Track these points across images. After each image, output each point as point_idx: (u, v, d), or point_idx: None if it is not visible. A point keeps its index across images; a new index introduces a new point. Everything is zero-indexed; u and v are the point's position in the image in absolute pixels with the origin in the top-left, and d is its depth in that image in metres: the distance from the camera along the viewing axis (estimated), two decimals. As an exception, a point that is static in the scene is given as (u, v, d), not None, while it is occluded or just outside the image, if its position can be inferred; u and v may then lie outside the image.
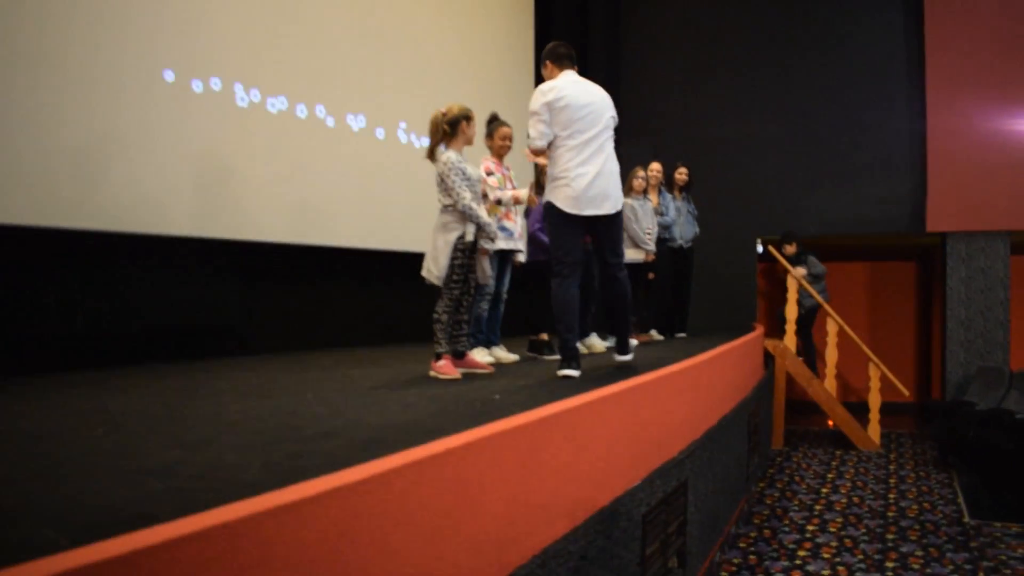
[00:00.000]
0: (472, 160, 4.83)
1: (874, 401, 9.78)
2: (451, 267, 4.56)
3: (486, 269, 4.83)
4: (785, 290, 10.17)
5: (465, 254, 4.59)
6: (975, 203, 10.05)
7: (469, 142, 4.77)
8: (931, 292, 13.26)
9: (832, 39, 10.86)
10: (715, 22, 11.38)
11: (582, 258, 4.62)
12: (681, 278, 8.48)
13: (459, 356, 4.83)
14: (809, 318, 10.38)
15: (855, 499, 7.32)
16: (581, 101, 4.49)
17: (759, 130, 11.05)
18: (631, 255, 6.86)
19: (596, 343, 6.43)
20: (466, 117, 4.71)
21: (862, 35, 10.72)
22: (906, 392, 10.03)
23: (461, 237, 4.56)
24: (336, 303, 7.55)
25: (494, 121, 5.45)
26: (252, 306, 6.75)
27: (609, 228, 4.63)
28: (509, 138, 5.51)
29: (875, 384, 9.81)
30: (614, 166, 4.61)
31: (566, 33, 11.16)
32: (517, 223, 5.58)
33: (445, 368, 4.56)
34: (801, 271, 9.96)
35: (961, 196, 10.09)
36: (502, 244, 5.38)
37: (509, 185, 5.45)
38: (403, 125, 8.13)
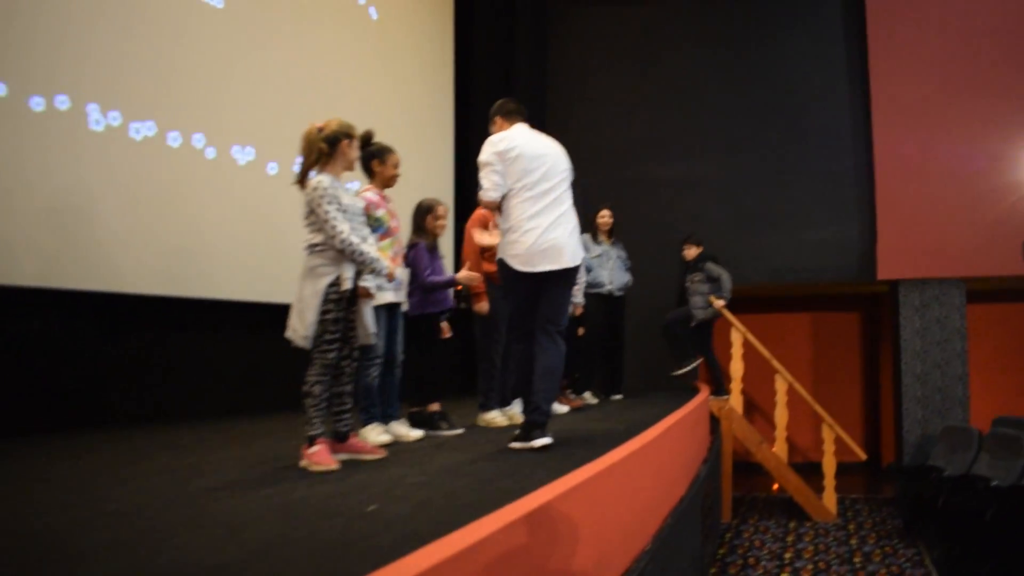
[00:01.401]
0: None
1: (829, 466, 8.91)
2: (322, 323, 3.53)
3: (369, 325, 3.79)
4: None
5: (340, 306, 3.57)
6: (928, 248, 9.36)
7: (350, 167, 3.83)
8: (877, 344, 12.57)
9: (773, 76, 10.18)
10: (648, 57, 10.63)
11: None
12: (613, 330, 7.56)
13: (341, 438, 3.78)
14: (706, 330, 8.80)
15: (820, 586, 6.39)
16: (534, 152, 4.14)
17: (696, 171, 10.27)
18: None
19: (519, 413, 5.40)
20: (348, 135, 3.78)
21: (805, 72, 10.07)
22: (863, 456, 9.20)
23: (334, 284, 3.54)
24: (215, 365, 6.40)
25: (371, 144, 4.44)
26: (111, 369, 5.58)
27: (561, 287, 4.14)
28: (399, 165, 4.56)
29: (829, 448, 8.95)
30: (572, 218, 4.21)
31: (489, 69, 10.30)
32: (403, 268, 4.58)
33: (319, 456, 3.51)
34: (718, 299, 8.56)
35: (913, 241, 9.39)
36: (391, 296, 4.37)
37: (394, 222, 4.48)
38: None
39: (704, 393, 7.52)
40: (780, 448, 8.99)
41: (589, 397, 7.11)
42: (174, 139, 5.91)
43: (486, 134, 4.28)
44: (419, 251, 4.82)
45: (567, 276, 4.16)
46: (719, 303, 8.39)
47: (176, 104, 5.89)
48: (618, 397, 7.64)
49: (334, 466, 3.47)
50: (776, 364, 9.11)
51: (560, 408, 6.12)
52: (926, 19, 9.64)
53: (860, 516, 9.00)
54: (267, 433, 5.11)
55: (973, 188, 9.27)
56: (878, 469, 11.98)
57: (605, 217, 7.58)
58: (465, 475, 3.26)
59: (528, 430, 3.97)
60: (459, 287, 5.08)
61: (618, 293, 7.53)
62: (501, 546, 2.10)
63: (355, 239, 3.60)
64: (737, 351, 9.16)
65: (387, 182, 4.52)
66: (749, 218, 10.05)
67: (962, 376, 9.27)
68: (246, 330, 6.64)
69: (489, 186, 4.09)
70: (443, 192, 9.08)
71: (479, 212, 5.36)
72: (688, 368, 8.47)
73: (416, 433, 4.54)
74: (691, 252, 8.75)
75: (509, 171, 4.09)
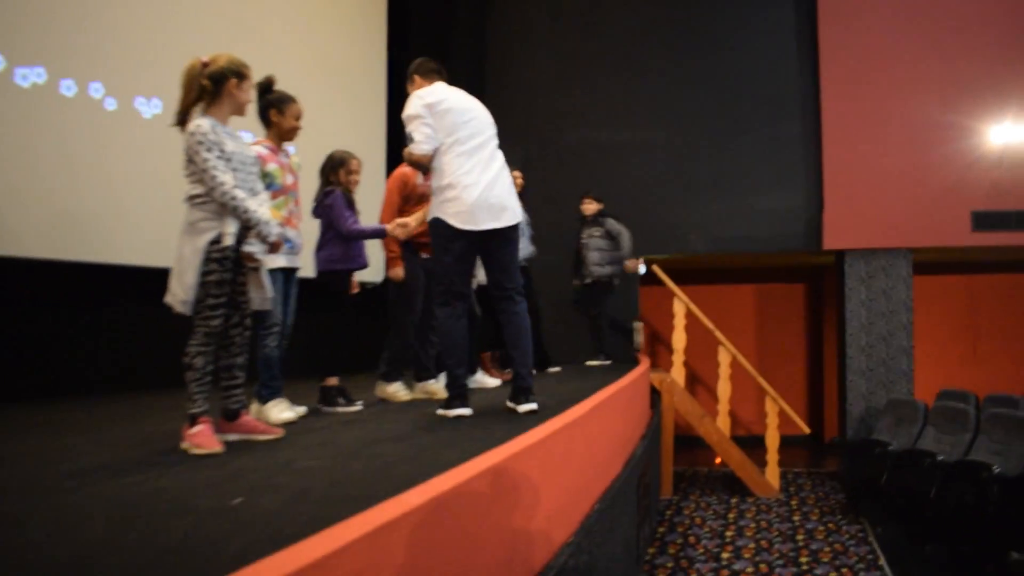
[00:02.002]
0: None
1: (772, 440, 8.68)
2: (204, 286, 3.08)
3: (266, 287, 3.35)
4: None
5: (224, 266, 3.11)
6: (875, 218, 9.10)
7: (239, 111, 3.36)
8: (821, 316, 12.40)
9: (718, 38, 9.80)
10: (592, 16, 10.17)
11: (470, 284, 3.97)
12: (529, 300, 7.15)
13: (231, 416, 3.35)
14: (605, 289, 7.90)
15: (762, 566, 6.11)
16: (462, 106, 3.99)
17: (638, 136, 9.87)
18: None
19: (442, 388, 5.00)
20: (238, 74, 3.31)
21: (751, 34, 9.71)
22: (807, 429, 9.00)
23: (216, 241, 3.09)
24: (117, 335, 5.87)
25: (271, 91, 3.99)
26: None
27: (504, 246, 3.95)
28: (301, 117, 4.10)
29: (773, 421, 8.71)
30: (508, 175, 4.05)
31: (426, 22, 9.78)
32: (299, 230, 4.12)
33: (199, 438, 3.07)
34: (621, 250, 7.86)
35: (860, 211, 9.13)
36: (283, 260, 3.91)
37: (290, 177, 4.02)
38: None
39: (644, 365, 7.19)
40: (723, 422, 8.73)
41: (524, 370, 6.73)
42: (67, 87, 5.33)
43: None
44: (336, 198, 4.34)
45: (510, 234, 3.96)
46: (639, 265, 7.81)
47: (69, 48, 5.30)
48: (556, 369, 7.27)
49: (217, 448, 3.04)
50: (720, 336, 8.83)
51: (491, 381, 5.74)
52: (876, -19, 9.35)
53: (803, 491, 8.79)
54: (169, 409, 4.63)
55: (921, 156, 9.03)
56: (821, 442, 11.86)
57: (517, 179, 7.13)
58: (364, 458, 2.84)
59: (515, 396, 3.93)
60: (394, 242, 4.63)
61: (524, 263, 7.16)
62: (377, 548, 1.70)
63: (240, 193, 3.14)
64: (679, 322, 8.86)
65: (285, 135, 4.05)
66: (692, 185, 9.71)
67: (907, 348, 9.07)
68: (151, 298, 6.10)
69: (421, 138, 3.85)
70: (374, 146, 8.57)
71: (400, 171, 4.93)
72: (602, 363, 7.92)
73: (300, 409, 4.09)
74: (590, 207, 8.09)
75: (439, 125, 3.88)
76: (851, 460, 8.09)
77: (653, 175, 9.80)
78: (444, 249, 3.87)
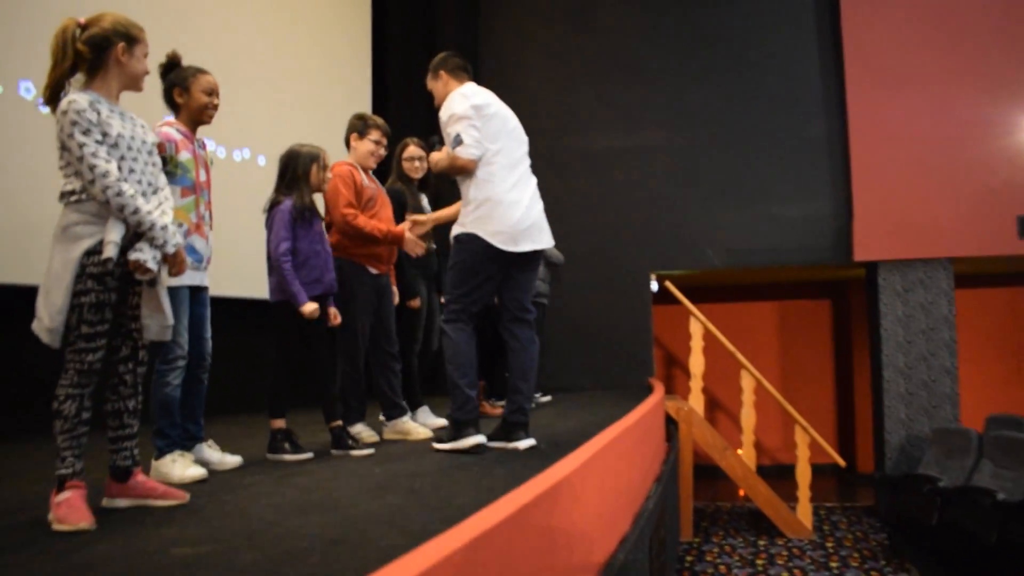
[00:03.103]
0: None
1: (803, 476, 7.80)
2: (76, 309, 2.33)
3: (166, 311, 2.58)
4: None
5: (105, 284, 2.36)
6: (910, 226, 8.24)
7: (133, 84, 2.62)
8: (849, 335, 11.52)
9: (733, 33, 9.01)
10: (591, 13, 9.40)
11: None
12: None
13: (120, 476, 2.57)
14: (542, 313, 6.45)
15: (800, 627, 5.26)
16: (505, 113, 3.76)
17: (651, 143, 9.07)
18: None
19: (421, 425, 4.23)
20: (127, 37, 2.57)
21: (767, 28, 8.90)
22: (842, 462, 8.13)
23: (94, 252, 2.35)
24: (28, 365, 5.05)
25: (179, 66, 3.24)
26: None
27: (533, 267, 3.75)
28: (216, 92, 3.31)
29: (803, 454, 7.85)
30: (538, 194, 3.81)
31: (411, 18, 9.03)
32: (209, 240, 3.31)
33: (64, 509, 2.33)
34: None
35: (893, 218, 8.26)
36: (188, 279, 3.10)
37: (203, 173, 3.23)
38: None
39: (659, 393, 6.35)
40: (748, 454, 7.87)
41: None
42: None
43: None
44: (278, 215, 3.55)
45: (539, 257, 3.78)
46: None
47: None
48: (546, 399, 6.45)
49: (84, 524, 2.26)
50: (742, 359, 7.99)
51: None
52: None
53: (838, 530, 7.91)
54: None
55: (959, 156, 8.17)
56: (851, 472, 10.94)
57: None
58: (267, 541, 2.03)
59: (511, 431, 3.63)
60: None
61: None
62: None
63: (128, 188, 2.38)
64: (697, 344, 8.04)
65: (197, 115, 3.26)
66: (706, 194, 8.89)
67: (951, 369, 8.17)
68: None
69: (471, 142, 3.54)
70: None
71: (346, 168, 4.15)
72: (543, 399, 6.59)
73: (233, 459, 3.32)
74: None
75: (485, 130, 3.59)
76: (893, 497, 7.22)
77: (664, 184, 9.00)
78: (475, 269, 3.56)
